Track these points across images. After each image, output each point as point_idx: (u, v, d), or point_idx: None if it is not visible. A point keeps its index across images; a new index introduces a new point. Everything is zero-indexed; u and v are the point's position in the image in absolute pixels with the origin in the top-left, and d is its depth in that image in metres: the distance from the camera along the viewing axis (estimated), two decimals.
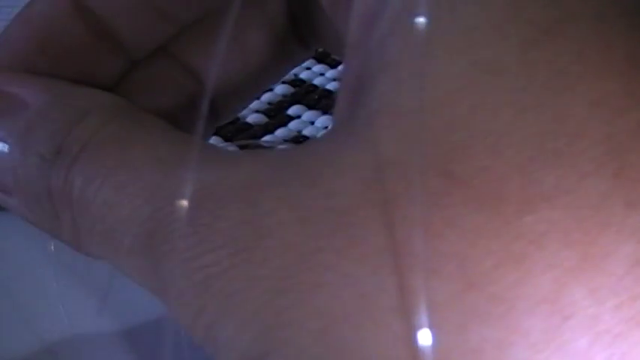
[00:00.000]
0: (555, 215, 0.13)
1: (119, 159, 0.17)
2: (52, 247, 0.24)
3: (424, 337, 0.13)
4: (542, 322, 0.13)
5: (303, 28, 0.24)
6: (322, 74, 0.42)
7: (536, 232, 0.13)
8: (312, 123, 0.39)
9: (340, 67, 0.42)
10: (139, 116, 0.19)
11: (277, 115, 0.40)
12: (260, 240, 0.14)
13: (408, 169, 0.14)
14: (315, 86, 0.42)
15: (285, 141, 0.38)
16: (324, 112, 0.40)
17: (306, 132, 0.39)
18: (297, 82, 0.42)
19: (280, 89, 0.41)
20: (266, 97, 0.41)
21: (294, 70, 0.41)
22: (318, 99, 0.41)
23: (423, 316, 0.13)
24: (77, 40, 0.20)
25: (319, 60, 0.43)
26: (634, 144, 0.13)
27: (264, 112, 0.40)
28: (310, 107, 0.40)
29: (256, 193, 0.15)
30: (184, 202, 0.15)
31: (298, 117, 0.40)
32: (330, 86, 0.42)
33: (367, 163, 0.14)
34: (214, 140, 0.38)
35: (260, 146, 0.36)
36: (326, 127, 0.39)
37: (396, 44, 0.15)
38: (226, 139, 0.38)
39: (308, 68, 0.43)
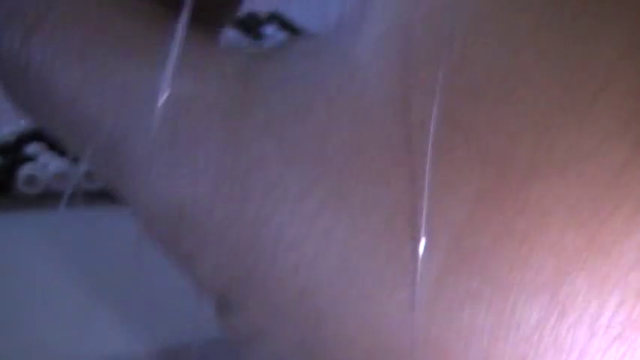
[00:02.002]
0: (565, 188, 0.12)
1: (90, 39, 0.14)
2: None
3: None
4: (538, 313, 0.12)
5: None
6: None
7: (542, 207, 0.12)
8: None
9: None
10: None
11: None
12: (241, 176, 0.13)
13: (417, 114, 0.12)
14: None
15: None
16: None
17: None
18: None
19: None
20: None
21: None
22: None
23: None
24: None
25: None
26: None
27: None
28: None
29: (238, 118, 0.13)
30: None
31: None
32: None
33: (367, 101, 0.13)
34: None
35: None
36: None
37: None
38: None
39: None
